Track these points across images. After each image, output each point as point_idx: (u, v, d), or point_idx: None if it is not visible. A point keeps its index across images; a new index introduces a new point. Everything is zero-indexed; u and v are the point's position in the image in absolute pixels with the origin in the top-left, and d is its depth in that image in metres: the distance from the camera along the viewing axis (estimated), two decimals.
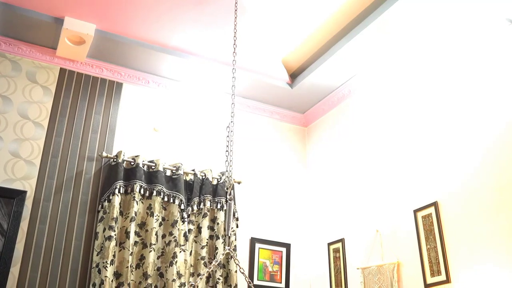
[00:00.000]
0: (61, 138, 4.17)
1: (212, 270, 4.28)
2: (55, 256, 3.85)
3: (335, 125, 5.02)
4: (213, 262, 2.74)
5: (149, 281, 3.97)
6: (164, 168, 4.37)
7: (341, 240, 4.54)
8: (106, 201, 4.06)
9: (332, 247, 4.64)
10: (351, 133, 4.76)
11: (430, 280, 3.57)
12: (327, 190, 4.93)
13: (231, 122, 3.34)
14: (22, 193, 3.77)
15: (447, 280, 3.43)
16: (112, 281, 3.86)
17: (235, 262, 2.90)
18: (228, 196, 3.29)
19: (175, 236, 4.14)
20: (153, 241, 4.07)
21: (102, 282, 3.78)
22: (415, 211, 3.81)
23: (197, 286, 4.11)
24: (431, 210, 3.68)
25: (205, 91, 4.94)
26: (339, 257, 4.52)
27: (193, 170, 4.51)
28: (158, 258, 4.12)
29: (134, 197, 4.11)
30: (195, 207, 4.39)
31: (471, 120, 3.54)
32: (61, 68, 4.40)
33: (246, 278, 2.81)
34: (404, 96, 4.21)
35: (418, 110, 4.03)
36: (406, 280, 3.80)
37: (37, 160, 3.99)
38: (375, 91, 4.56)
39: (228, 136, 3.45)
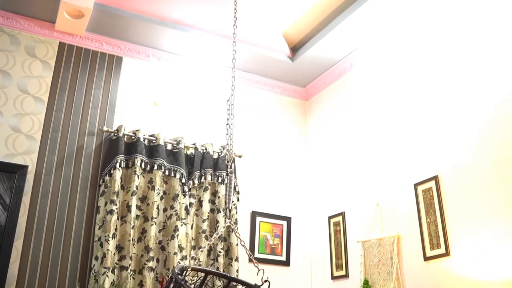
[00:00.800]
0: (61, 113, 4.16)
1: (213, 243, 4.32)
2: (57, 230, 3.89)
3: (336, 98, 5.00)
4: (214, 235, 2.76)
5: (151, 254, 4.02)
6: (164, 142, 4.37)
7: (342, 214, 4.56)
8: (107, 175, 4.08)
9: (332, 220, 4.67)
10: (352, 107, 4.74)
11: (429, 253, 3.60)
12: (327, 163, 4.94)
13: (232, 95, 3.32)
14: (24, 168, 3.78)
15: (447, 253, 3.46)
16: (114, 254, 3.90)
17: (236, 235, 2.92)
18: (228, 170, 3.30)
19: (176, 210, 4.16)
20: (155, 215, 4.10)
21: (104, 255, 3.82)
22: (416, 185, 3.82)
23: (199, 259, 4.16)
24: (432, 184, 3.68)
25: (206, 65, 4.91)
26: (340, 230, 4.55)
27: (194, 144, 4.52)
28: (159, 232, 4.16)
29: (135, 171, 4.12)
30: (196, 181, 4.41)
31: (472, 94, 3.52)
32: (60, 42, 4.36)
33: (247, 251, 2.83)
34: (405, 69, 4.18)
35: (419, 83, 4.00)
36: (406, 253, 3.83)
37: (38, 135, 3.99)
38: (376, 65, 4.52)
39: (228, 110, 3.44)
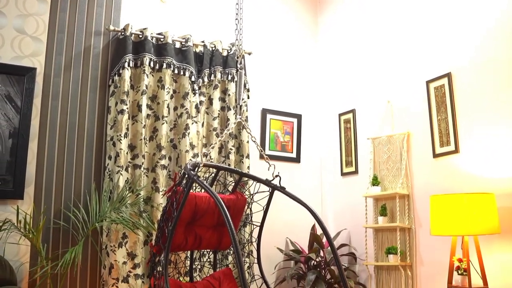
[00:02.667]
0: (65, 13, 4.04)
1: (224, 141, 4.37)
2: (70, 131, 3.94)
3: None
4: (225, 131, 2.77)
5: (163, 152, 4.08)
6: (173, 40, 4.28)
7: (352, 111, 4.56)
8: (116, 75, 4.04)
9: (343, 117, 4.68)
10: (364, 3, 4.56)
11: (439, 150, 3.63)
12: (338, 60, 4.85)
13: None
14: (32, 70, 3.75)
15: (456, 150, 3.48)
16: (127, 153, 3.97)
17: (246, 131, 2.93)
18: (238, 66, 3.25)
19: (186, 108, 4.17)
20: (165, 114, 4.12)
21: (117, 155, 3.89)
22: (428, 82, 3.77)
23: (210, 155, 4.23)
24: (444, 81, 3.63)
25: None
26: (350, 127, 4.57)
27: (203, 42, 4.43)
28: (170, 130, 4.20)
29: (144, 70, 4.08)
30: (205, 79, 4.37)
31: None
32: None
33: (258, 147, 2.86)
34: None
35: None
36: (415, 150, 3.87)
37: (43, 37, 3.91)
38: None
39: (237, 4, 3.33)
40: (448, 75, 3.60)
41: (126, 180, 3.91)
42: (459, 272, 3.11)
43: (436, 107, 3.69)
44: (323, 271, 4.26)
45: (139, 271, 3.87)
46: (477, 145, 3.36)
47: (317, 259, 4.30)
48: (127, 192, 3.88)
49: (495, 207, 3.02)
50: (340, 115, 4.71)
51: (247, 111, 4.52)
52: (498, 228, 3.01)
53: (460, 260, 3.12)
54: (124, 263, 3.82)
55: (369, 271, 4.21)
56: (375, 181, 4.10)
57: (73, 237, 3.84)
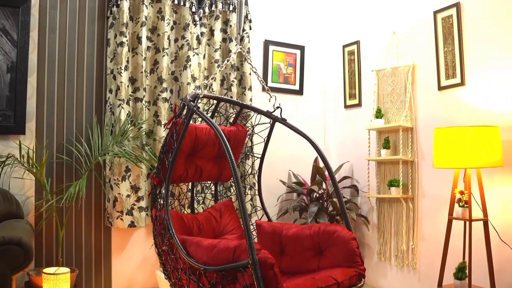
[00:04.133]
0: None
1: (226, 73, 4.31)
2: (69, 65, 3.87)
3: None
4: (225, 61, 2.71)
5: (164, 85, 4.03)
6: None
7: (356, 42, 4.45)
8: (115, 6, 3.93)
9: (347, 49, 4.58)
10: None
11: (444, 82, 3.57)
12: None
13: None
14: (26, 2, 3.63)
15: (462, 83, 3.42)
16: (127, 86, 3.92)
17: (247, 61, 2.86)
18: None
19: (187, 40, 4.09)
20: (166, 46, 4.04)
21: (118, 88, 3.85)
22: (435, 12, 3.65)
23: (211, 85, 4.18)
24: (452, 11, 3.52)
25: None
26: (354, 59, 4.48)
27: None
28: (171, 63, 4.13)
29: (143, 1, 3.96)
30: (206, 10, 4.26)
31: None
32: None
33: (258, 77, 2.81)
34: None
35: None
36: (420, 82, 3.80)
37: None
38: None
39: None
40: (457, 5, 3.48)
41: (127, 114, 3.88)
42: (460, 205, 3.12)
43: (443, 39, 3.59)
44: (325, 203, 4.30)
45: (143, 203, 3.91)
46: (483, 78, 3.30)
47: (320, 191, 4.34)
48: (129, 125, 3.86)
49: (499, 140, 2.99)
50: (344, 46, 4.61)
51: (249, 42, 4.43)
52: (501, 161, 3.00)
53: (461, 193, 3.13)
54: (128, 196, 3.86)
55: (371, 204, 4.24)
56: (379, 114, 4.06)
57: (77, 171, 3.86)
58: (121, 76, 3.85)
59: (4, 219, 3.29)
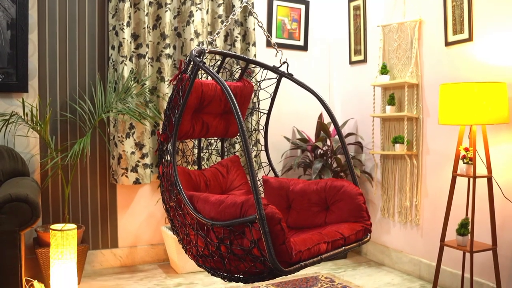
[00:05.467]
0: None
1: (230, 29, 4.25)
2: (70, 21, 3.81)
3: None
4: (230, 16, 2.66)
5: (167, 41, 3.98)
6: None
7: None
8: None
9: (352, 4, 4.50)
10: None
11: (451, 38, 3.51)
12: None
13: None
14: None
15: (470, 39, 3.36)
16: (130, 42, 3.87)
17: (253, 16, 2.80)
18: None
19: None
20: (168, 1, 3.97)
21: (120, 44, 3.80)
22: None
23: (214, 40, 4.12)
24: None
25: None
26: (359, 14, 4.40)
27: None
28: (174, 18, 4.07)
29: None
30: None
31: None
32: None
33: (265, 32, 2.76)
34: None
35: None
36: (426, 38, 3.75)
37: None
38: None
39: None
40: None
41: (130, 71, 3.85)
42: (465, 161, 3.12)
43: None
44: (330, 159, 4.31)
45: (147, 160, 3.92)
46: (491, 33, 3.24)
47: (324, 148, 4.34)
48: (132, 82, 3.83)
49: (506, 97, 2.96)
50: (349, 1, 4.52)
51: None
52: (507, 118, 2.98)
53: (466, 149, 3.12)
54: (132, 153, 3.86)
55: (375, 160, 4.25)
56: (384, 70, 4.02)
57: (81, 128, 3.86)
58: (123, 32, 3.79)
59: (10, 176, 3.31)
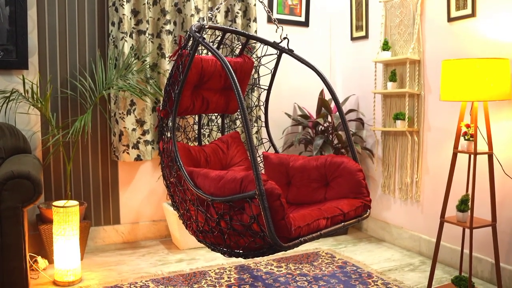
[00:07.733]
0: None
1: (230, 4, 4.21)
2: None
3: None
4: None
5: (168, 17, 3.95)
6: None
7: None
8: None
9: None
10: None
11: (454, 13, 3.48)
12: None
13: None
14: None
15: (473, 14, 3.33)
16: (130, 18, 3.84)
17: None
18: None
19: None
20: None
21: (120, 20, 3.77)
22: None
23: (215, 16, 4.09)
24: None
25: None
26: None
27: None
28: None
29: None
30: None
31: None
32: None
33: (265, 7, 2.74)
34: None
35: None
36: (429, 14, 3.71)
37: None
38: None
39: None
40: None
41: (131, 47, 3.83)
42: (466, 138, 3.11)
43: None
44: (331, 136, 4.31)
45: (148, 137, 3.93)
46: (495, 9, 3.20)
47: (325, 124, 4.33)
48: (133, 59, 3.82)
49: (508, 73, 2.94)
50: None
51: None
52: (510, 94, 2.96)
53: (467, 126, 3.11)
54: (134, 130, 3.86)
55: (376, 137, 4.25)
56: (386, 46, 3.99)
57: (82, 105, 3.85)
58: (123, 8, 3.76)
59: (12, 154, 3.31)
